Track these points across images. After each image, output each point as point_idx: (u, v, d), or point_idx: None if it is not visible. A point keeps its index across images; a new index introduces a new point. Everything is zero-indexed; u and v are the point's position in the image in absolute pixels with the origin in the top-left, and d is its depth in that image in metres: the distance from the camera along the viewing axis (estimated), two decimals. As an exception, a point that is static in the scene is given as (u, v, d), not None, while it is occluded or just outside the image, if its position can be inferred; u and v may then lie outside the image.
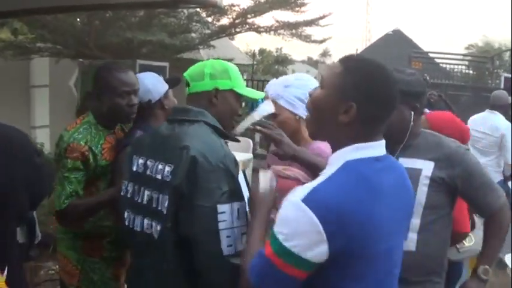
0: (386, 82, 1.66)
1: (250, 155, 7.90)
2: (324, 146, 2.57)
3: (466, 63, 18.87)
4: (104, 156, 2.79)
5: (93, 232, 2.83)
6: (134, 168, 2.18)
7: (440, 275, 2.48)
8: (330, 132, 1.69)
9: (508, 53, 23.37)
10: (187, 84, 2.23)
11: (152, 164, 2.09)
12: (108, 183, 2.83)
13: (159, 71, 3.30)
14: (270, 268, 1.55)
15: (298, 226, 1.50)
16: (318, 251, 1.49)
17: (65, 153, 2.68)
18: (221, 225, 1.93)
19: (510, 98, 6.74)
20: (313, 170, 2.35)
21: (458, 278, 3.66)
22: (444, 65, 17.25)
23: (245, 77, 15.01)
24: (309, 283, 1.57)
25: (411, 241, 2.33)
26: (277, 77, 3.00)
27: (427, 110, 4.50)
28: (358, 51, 31.76)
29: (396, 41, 31.28)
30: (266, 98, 2.73)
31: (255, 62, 21.39)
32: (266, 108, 2.63)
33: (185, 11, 8.23)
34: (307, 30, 9.83)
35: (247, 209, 2.03)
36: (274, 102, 2.66)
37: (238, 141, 2.36)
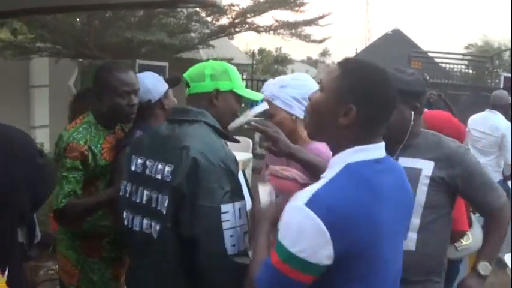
0: (385, 84, 1.66)
1: (250, 155, 7.91)
2: (321, 147, 2.58)
3: (466, 62, 18.89)
4: (103, 156, 2.78)
5: (92, 232, 2.83)
6: (133, 168, 2.18)
7: (440, 275, 2.48)
8: (330, 135, 1.70)
9: (507, 53, 23.40)
10: (187, 85, 2.23)
11: (152, 164, 2.09)
12: (107, 183, 2.83)
13: (158, 70, 3.30)
14: (278, 276, 1.55)
15: (303, 230, 1.49)
16: (323, 254, 1.49)
17: (64, 152, 2.68)
18: (225, 225, 1.93)
19: (510, 98, 6.74)
20: (310, 168, 2.36)
21: (456, 276, 3.67)
22: (444, 65, 17.27)
23: (245, 77, 15.04)
24: (313, 287, 1.57)
25: (411, 241, 2.33)
26: (276, 77, 3.00)
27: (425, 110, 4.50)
28: (358, 51, 31.79)
29: (396, 40, 31.30)
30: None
31: (254, 62, 21.41)
32: (260, 107, 2.64)
33: (184, 10, 8.23)
34: (307, 30, 9.86)
35: (248, 208, 2.03)
36: (270, 103, 2.66)
37: (238, 141, 2.36)
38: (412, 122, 2.38)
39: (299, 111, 2.73)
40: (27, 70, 8.86)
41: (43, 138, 8.09)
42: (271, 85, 2.77)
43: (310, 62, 62.30)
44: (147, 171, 2.10)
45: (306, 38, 9.98)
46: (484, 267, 2.35)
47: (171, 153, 2.03)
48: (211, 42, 9.34)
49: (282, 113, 2.71)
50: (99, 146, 2.77)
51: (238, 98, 2.29)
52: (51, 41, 7.69)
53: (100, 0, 4.12)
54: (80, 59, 7.74)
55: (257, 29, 9.15)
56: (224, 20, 9.03)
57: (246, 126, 2.35)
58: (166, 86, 3.05)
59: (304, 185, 2.59)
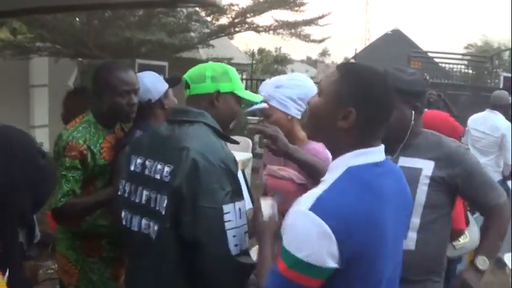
0: (383, 87, 1.67)
1: (249, 155, 7.91)
2: (318, 147, 2.59)
3: (465, 62, 18.89)
4: (102, 155, 2.78)
5: (91, 232, 2.83)
6: (132, 168, 2.17)
7: (439, 274, 2.48)
8: (330, 138, 1.71)
9: (507, 53, 23.41)
10: (188, 86, 2.23)
11: (151, 164, 2.09)
12: (106, 183, 2.83)
13: (158, 70, 3.30)
14: (286, 283, 1.54)
15: (308, 235, 1.49)
16: (330, 257, 1.49)
17: (64, 151, 2.68)
18: (227, 225, 1.93)
19: (510, 98, 6.74)
20: (307, 168, 2.37)
21: (454, 275, 3.67)
22: (443, 65, 17.27)
23: (244, 76, 15.05)
24: None
25: (411, 240, 2.33)
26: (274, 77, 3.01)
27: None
28: (357, 51, 31.78)
29: (395, 40, 31.35)
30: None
31: (254, 62, 21.42)
32: (258, 105, 2.65)
33: (184, 10, 8.24)
34: (306, 30, 9.88)
35: (247, 208, 2.03)
36: (267, 103, 2.67)
37: (237, 143, 2.36)
38: (413, 122, 2.39)
39: (295, 111, 2.75)
40: (26, 70, 8.86)
41: (43, 138, 8.10)
42: (267, 85, 2.78)
43: (310, 62, 62.34)
44: (147, 171, 2.10)
45: (306, 38, 9.99)
46: (481, 261, 2.33)
47: (171, 153, 2.03)
48: (211, 42, 9.35)
49: (278, 113, 2.72)
50: (98, 145, 2.77)
51: (238, 99, 2.29)
52: (51, 40, 7.69)
53: (99, 0, 4.11)
54: (80, 59, 7.75)
55: (257, 29, 9.16)
56: (224, 20, 9.04)
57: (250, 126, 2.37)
58: (166, 85, 3.05)
59: (300, 185, 2.60)
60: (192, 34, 8.97)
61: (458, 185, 2.37)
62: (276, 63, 34.76)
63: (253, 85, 13.46)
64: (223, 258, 1.94)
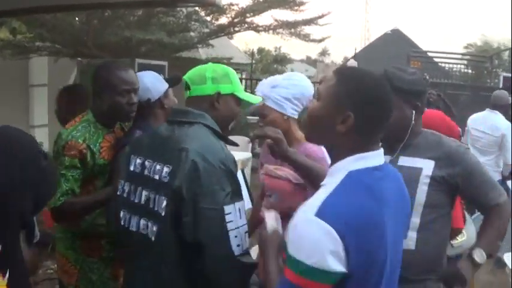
0: (381, 90, 1.68)
1: (249, 154, 7.90)
2: (314, 146, 2.59)
3: (465, 62, 18.86)
4: (102, 155, 2.78)
5: (91, 231, 2.82)
6: (131, 168, 2.17)
7: (439, 274, 2.48)
8: (329, 142, 1.74)
9: (506, 53, 23.40)
10: (188, 88, 2.23)
11: (150, 164, 2.09)
12: (106, 182, 2.82)
13: (158, 70, 3.30)
14: None
15: (317, 241, 1.49)
16: (338, 262, 1.50)
17: (63, 150, 2.68)
18: (229, 226, 1.93)
19: (510, 97, 6.74)
20: (304, 172, 2.38)
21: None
22: (443, 65, 17.25)
23: (244, 76, 15.05)
24: None
25: (411, 240, 2.33)
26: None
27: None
28: (357, 51, 31.77)
29: (395, 40, 31.34)
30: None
31: (253, 61, 21.42)
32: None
33: (184, 10, 8.24)
34: (306, 29, 9.88)
35: (246, 208, 2.03)
36: (263, 103, 2.67)
37: (237, 145, 2.36)
38: (413, 121, 2.39)
39: (291, 111, 2.75)
40: (26, 69, 8.85)
41: (42, 138, 8.09)
42: (263, 85, 2.79)
43: (310, 62, 62.36)
44: (146, 172, 2.09)
45: (305, 38, 10.00)
46: (478, 253, 2.32)
47: (170, 154, 2.03)
48: (211, 42, 9.35)
49: (274, 113, 2.73)
50: (98, 144, 2.77)
51: (238, 100, 2.29)
52: (50, 40, 7.70)
53: (99, -1, 4.12)
54: (79, 58, 7.76)
55: (256, 29, 9.16)
56: (223, 20, 9.05)
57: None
58: (166, 85, 3.04)
59: (297, 185, 2.61)
60: (192, 34, 8.98)
61: (459, 185, 2.37)
62: (275, 63, 34.80)
63: (252, 85, 13.48)
64: (226, 259, 1.94)
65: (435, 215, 2.38)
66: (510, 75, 11.08)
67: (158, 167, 2.04)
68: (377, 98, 1.65)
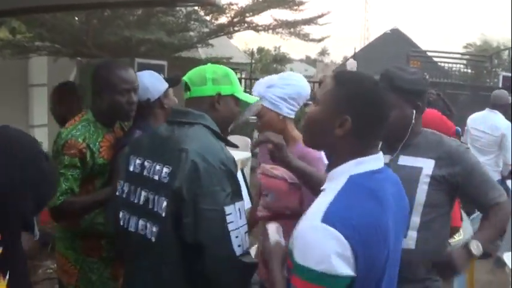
0: (378, 95, 1.69)
1: (248, 154, 7.89)
2: None
3: (465, 62, 18.86)
4: (101, 154, 2.78)
5: (91, 231, 2.82)
6: (131, 169, 2.17)
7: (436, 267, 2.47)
8: (328, 146, 1.76)
9: (506, 52, 23.38)
10: (188, 89, 2.22)
11: (150, 164, 2.08)
12: (105, 182, 2.82)
13: (157, 69, 3.29)
14: None
15: (326, 247, 1.50)
16: (347, 266, 1.51)
17: (63, 149, 2.68)
18: (230, 227, 1.94)
19: (510, 97, 6.74)
20: (303, 177, 2.39)
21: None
22: (442, 64, 17.25)
23: (243, 76, 15.04)
24: None
25: (411, 239, 2.33)
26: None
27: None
28: (357, 50, 31.80)
29: (394, 39, 31.36)
30: None
31: (253, 61, 21.41)
32: (254, 107, 2.66)
33: (183, 9, 8.24)
34: (306, 29, 9.87)
35: (246, 207, 2.03)
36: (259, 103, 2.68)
37: (236, 146, 2.36)
38: (413, 121, 2.39)
39: (287, 111, 2.76)
40: (25, 69, 8.85)
41: (42, 137, 8.08)
42: (260, 85, 2.79)
43: (309, 61, 62.43)
44: (145, 172, 2.09)
45: (305, 37, 9.99)
46: (475, 245, 2.29)
47: (170, 154, 2.03)
48: (210, 41, 9.34)
49: (270, 113, 2.73)
50: (97, 144, 2.77)
51: (238, 101, 2.29)
52: (50, 40, 7.69)
53: (99, -1, 4.11)
54: (79, 58, 7.75)
55: (256, 28, 9.15)
56: (223, 19, 9.04)
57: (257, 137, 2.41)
58: (165, 85, 3.03)
59: (292, 184, 2.62)
60: (191, 33, 8.97)
61: (459, 184, 2.37)
62: (275, 63, 34.83)
63: (252, 84, 13.43)
64: (227, 259, 1.94)
65: (435, 215, 2.38)
66: (510, 74, 11.08)
67: (158, 167, 2.04)
68: (374, 102, 1.66)
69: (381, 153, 1.73)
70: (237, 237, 1.95)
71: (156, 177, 2.03)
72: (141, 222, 2.07)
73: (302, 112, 3.51)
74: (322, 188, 1.70)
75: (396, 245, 1.71)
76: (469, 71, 18.94)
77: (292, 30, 9.68)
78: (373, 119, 1.66)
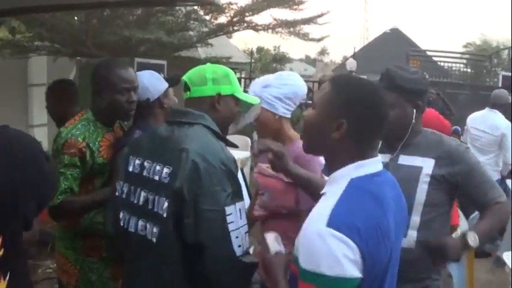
0: (374, 99, 1.70)
1: (248, 153, 7.90)
2: None
3: (464, 61, 18.89)
4: (101, 153, 2.77)
5: (90, 230, 2.82)
6: (130, 169, 2.16)
7: (439, 272, 2.48)
8: (325, 150, 1.76)
9: (506, 51, 23.40)
10: (188, 89, 2.21)
11: (149, 165, 2.08)
12: (105, 182, 2.82)
13: (157, 69, 3.29)
14: None
15: (335, 251, 1.50)
16: (357, 268, 1.52)
17: (62, 149, 2.67)
18: (230, 227, 1.93)
19: (510, 96, 6.74)
20: (303, 184, 2.41)
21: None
22: (442, 64, 17.26)
23: (243, 75, 15.04)
24: None
25: (411, 238, 2.33)
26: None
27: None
28: (356, 50, 31.79)
29: (394, 39, 31.39)
30: None
31: (252, 60, 21.39)
32: (254, 111, 2.67)
33: (183, 9, 8.24)
34: (305, 29, 9.88)
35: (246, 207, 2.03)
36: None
37: (236, 146, 2.36)
38: (414, 120, 2.39)
39: (283, 111, 2.76)
40: (25, 69, 8.85)
41: (41, 137, 8.07)
42: (256, 85, 2.79)
43: (309, 61, 62.43)
44: (145, 172, 2.09)
45: (305, 37, 10.00)
46: (472, 237, 2.27)
47: (170, 154, 2.02)
48: (210, 41, 9.34)
49: (266, 113, 2.73)
50: (97, 143, 2.77)
51: (238, 101, 2.29)
52: (50, 39, 7.69)
53: (98, -2, 4.11)
54: (78, 58, 7.75)
55: (255, 28, 9.16)
56: (222, 19, 9.04)
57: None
58: (165, 84, 3.01)
59: (288, 183, 2.62)
60: (191, 33, 8.97)
61: (459, 183, 2.37)
62: (274, 62, 34.80)
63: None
64: (228, 260, 1.94)
65: (435, 214, 2.38)
66: (509, 74, 11.09)
67: (158, 167, 2.03)
68: (370, 105, 1.67)
69: (379, 156, 1.74)
70: (237, 237, 1.94)
71: (156, 178, 2.02)
72: (140, 222, 2.06)
73: (301, 114, 3.52)
74: (322, 192, 1.71)
75: (396, 244, 1.72)
76: (469, 70, 18.95)
77: (291, 29, 9.68)
78: (370, 122, 1.67)
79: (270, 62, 34.47)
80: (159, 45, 8.15)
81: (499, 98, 6.61)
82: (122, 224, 2.15)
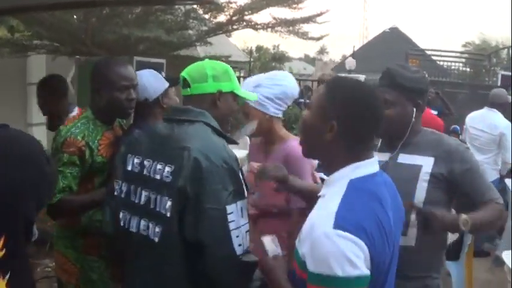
0: (366, 102, 1.71)
1: (247, 152, 7.89)
2: (296, 144, 2.64)
3: (463, 60, 18.92)
4: (100, 152, 2.77)
5: (90, 228, 2.81)
6: (129, 168, 2.14)
7: (438, 271, 2.48)
8: (320, 151, 1.78)
9: (505, 51, 23.43)
10: (188, 85, 2.19)
11: (150, 163, 2.06)
12: (104, 180, 2.81)
13: (156, 67, 3.28)
14: None
15: (347, 252, 1.51)
16: (366, 266, 1.54)
17: (62, 147, 2.67)
18: (231, 226, 1.93)
19: (509, 96, 6.74)
20: (307, 195, 2.43)
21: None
22: (441, 63, 17.27)
23: (242, 74, 15.02)
24: None
25: (411, 237, 2.33)
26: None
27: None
28: (355, 49, 31.82)
29: (393, 38, 31.42)
30: None
31: (252, 59, 21.40)
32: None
33: (182, 7, 8.23)
34: (304, 28, 9.83)
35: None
36: (246, 102, 2.68)
37: (236, 143, 2.36)
38: (414, 119, 2.39)
39: (274, 111, 2.77)
40: (24, 67, 8.83)
41: (40, 136, 8.03)
42: (247, 85, 2.80)
43: (308, 60, 62.45)
44: (145, 171, 2.07)
45: (304, 36, 9.97)
46: (464, 220, 2.22)
47: (171, 153, 2.01)
48: (209, 40, 9.32)
49: (256, 113, 2.74)
50: (96, 141, 2.76)
51: (237, 98, 2.28)
52: (48, 38, 7.68)
53: (98, -3, 4.11)
54: (77, 56, 7.72)
55: (255, 27, 9.14)
56: (222, 18, 9.01)
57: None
58: (165, 84, 2.99)
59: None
60: (190, 32, 8.95)
61: (458, 182, 2.36)
62: (273, 61, 34.82)
63: (251, 83, 13.43)
64: (228, 259, 1.93)
65: (435, 212, 2.37)
66: (508, 73, 11.10)
67: (159, 166, 2.02)
68: (363, 107, 1.69)
69: (376, 157, 1.76)
70: (237, 236, 1.94)
71: (158, 177, 2.01)
72: (142, 222, 2.05)
73: (300, 114, 3.54)
74: (320, 193, 1.72)
75: (395, 243, 1.73)
76: (468, 69, 18.98)
77: (291, 28, 9.66)
78: (362, 123, 1.69)
79: (269, 60, 34.50)
80: (158, 44, 8.14)
81: (497, 97, 6.61)
82: (122, 224, 2.13)
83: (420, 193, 2.35)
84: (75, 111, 3.96)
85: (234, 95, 2.26)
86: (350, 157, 1.69)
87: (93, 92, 2.82)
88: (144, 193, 2.06)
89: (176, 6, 8.00)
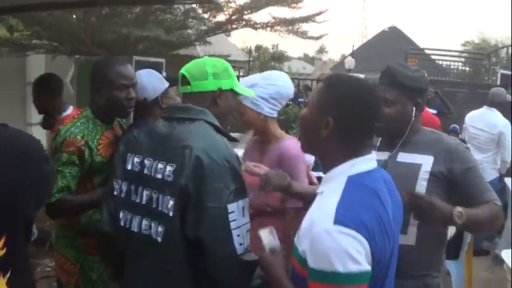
0: (363, 99, 1.71)
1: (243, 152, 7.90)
2: (291, 143, 2.66)
3: (463, 60, 18.93)
4: (99, 151, 2.76)
5: (90, 228, 2.81)
6: (129, 167, 2.12)
7: (438, 270, 2.47)
8: (318, 148, 1.79)
9: (504, 50, 23.44)
10: (188, 83, 2.16)
11: (150, 163, 2.04)
12: (104, 180, 2.80)
13: (155, 67, 3.28)
14: None
15: (348, 248, 1.51)
16: (368, 261, 1.54)
17: (61, 146, 2.67)
18: (232, 225, 1.92)
19: (509, 95, 6.74)
20: (308, 198, 2.42)
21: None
22: (440, 62, 17.29)
23: (241, 74, 15.04)
24: None
25: (411, 235, 2.33)
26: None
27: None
28: (355, 48, 31.81)
29: (392, 37, 31.41)
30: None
31: (251, 59, 21.41)
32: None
33: (181, 7, 8.23)
34: (304, 27, 9.85)
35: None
36: (241, 102, 2.69)
37: (237, 141, 2.36)
38: (413, 118, 2.40)
39: (268, 111, 2.77)
40: (23, 67, 8.82)
41: (39, 136, 8.01)
42: (242, 84, 2.80)
43: (307, 59, 62.40)
44: (146, 171, 2.05)
45: (303, 35, 9.99)
46: (458, 213, 2.19)
47: (172, 152, 1.99)
48: (208, 39, 9.33)
49: (250, 112, 2.75)
50: (95, 141, 2.76)
51: (235, 95, 2.28)
52: (48, 37, 7.68)
53: (97, -3, 4.11)
54: (77, 56, 7.73)
55: (254, 26, 9.14)
56: (221, 17, 9.02)
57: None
58: (165, 84, 2.98)
59: None
60: (189, 31, 8.96)
61: (457, 181, 2.36)
62: (273, 60, 34.83)
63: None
64: (229, 258, 1.93)
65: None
66: (508, 72, 11.12)
67: (160, 165, 2.00)
68: (359, 104, 1.69)
69: (373, 153, 1.76)
70: (238, 235, 1.93)
71: (159, 176, 2.00)
72: (144, 222, 2.03)
73: (299, 113, 3.55)
74: (318, 190, 1.72)
75: (395, 239, 1.73)
76: (467, 68, 19.00)
77: (290, 28, 9.67)
78: (358, 120, 1.69)
79: (268, 60, 34.50)
80: (157, 44, 8.14)
81: (497, 96, 6.61)
82: (122, 224, 2.12)
83: (420, 191, 2.34)
84: (69, 110, 3.98)
85: (234, 93, 2.25)
86: (346, 154, 1.69)
87: (93, 91, 2.81)
88: (145, 192, 2.04)
89: (175, 6, 8.00)
